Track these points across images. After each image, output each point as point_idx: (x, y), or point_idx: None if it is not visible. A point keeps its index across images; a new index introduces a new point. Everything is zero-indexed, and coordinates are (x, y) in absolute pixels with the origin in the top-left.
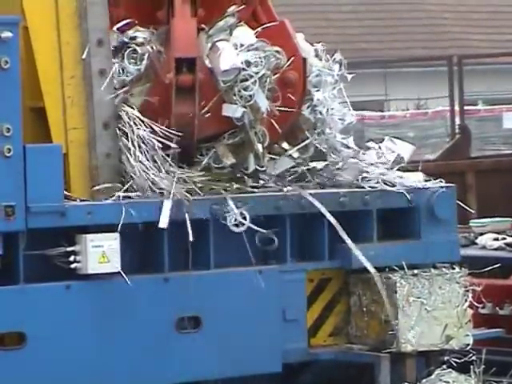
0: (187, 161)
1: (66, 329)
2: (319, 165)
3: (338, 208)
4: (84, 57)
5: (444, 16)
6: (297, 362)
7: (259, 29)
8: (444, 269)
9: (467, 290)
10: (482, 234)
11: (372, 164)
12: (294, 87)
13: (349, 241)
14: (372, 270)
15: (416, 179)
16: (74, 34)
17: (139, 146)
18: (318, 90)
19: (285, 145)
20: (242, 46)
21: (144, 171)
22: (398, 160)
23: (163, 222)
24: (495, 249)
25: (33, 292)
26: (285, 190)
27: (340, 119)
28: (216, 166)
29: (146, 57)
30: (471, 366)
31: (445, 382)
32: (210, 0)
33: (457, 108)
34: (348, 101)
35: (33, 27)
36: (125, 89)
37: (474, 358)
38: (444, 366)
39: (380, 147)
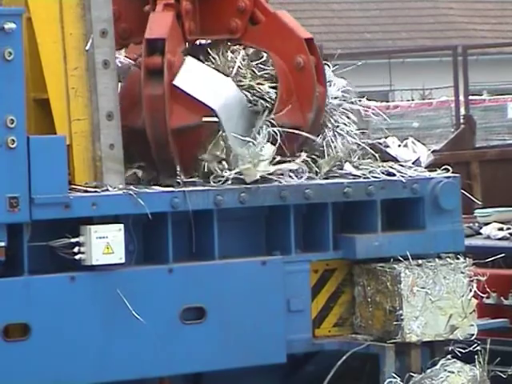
0: (165, 157)
1: (71, 320)
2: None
3: (343, 198)
4: (87, 48)
5: (449, 6)
6: (301, 353)
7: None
8: (448, 259)
9: (472, 280)
10: (486, 224)
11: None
12: (304, 70)
13: None
14: None
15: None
16: (77, 25)
17: None
18: None
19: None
20: None
21: None
22: (417, 162)
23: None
24: (500, 239)
25: (37, 283)
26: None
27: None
28: None
29: None
30: (476, 356)
31: (449, 372)
32: (205, 13)
33: (461, 98)
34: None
35: (36, 18)
36: None
37: (478, 348)
38: (449, 356)
39: (407, 145)
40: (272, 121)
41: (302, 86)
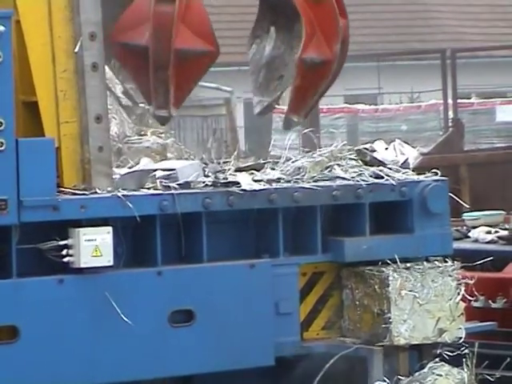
0: (163, 79)
1: (59, 323)
2: None
3: (331, 201)
4: (76, 50)
5: (439, 9)
6: (290, 356)
7: None
8: (437, 262)
9: (460, 284)
10: (474, 227)
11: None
12: (324, 3)
13: None
14: None
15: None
16: (66, 27)
17: None
18: None
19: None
20: None
21: None
22: (405, 164)
23: None
24: (488, 242)
25: (26, 286)
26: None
27: None
28: None
29: None
30: (464, 360)
31: (437, 375)
32: None
33: (450, 101)
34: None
35: (25, 21)
36: None
37: (466, 351)
38: (437, 359)
39: (394, 147)
40: (303, 56)
41: (324, 20)
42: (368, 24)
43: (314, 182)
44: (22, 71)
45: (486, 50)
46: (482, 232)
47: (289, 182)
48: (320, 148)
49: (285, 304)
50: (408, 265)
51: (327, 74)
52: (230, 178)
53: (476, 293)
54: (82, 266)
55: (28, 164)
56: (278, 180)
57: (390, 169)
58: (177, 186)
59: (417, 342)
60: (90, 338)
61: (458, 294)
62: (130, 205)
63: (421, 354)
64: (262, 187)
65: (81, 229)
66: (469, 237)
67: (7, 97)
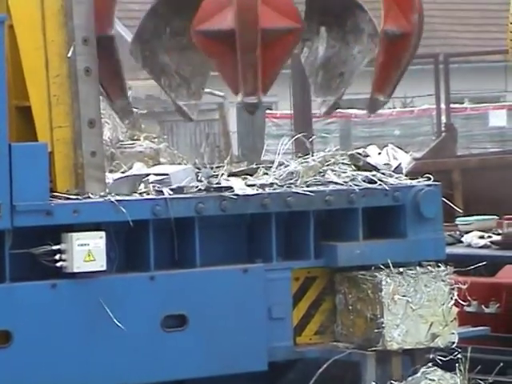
0: (251, 62)
1: (52, 327)
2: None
3: (324, 206)
4: (69, 55)
5: (431, 14)
6: (283, 361)
7: None
8: (430, 267)
9: (453, 288)
10: (467, 232)
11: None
12: None
13: None
14: None
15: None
16: (59, 32)
17: None
18: None
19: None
20: None
21: None
22: (398, 169)
23: None
24: (481, 247)
25: (19, 291)
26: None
27: None
28: None
29: None
30: (457, 364)
31: (430, 380)
32: None
33: (443, 106)
34: None
35: (18, 26)
36: None
37: (459, 356)
38: (429, 364)
39: (387, 152)
40: (384, 28)
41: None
42: None
43: (307, 186)
44: (15, 76)
45: (479, 54)
46: (474, 237)
47: (282, 186)
48: (313, 153)
49: (278, 309)
50: (401, 270)
51: (408, 47)
52: (223, 183)
53: (469, 298)
54: (75, 270)
55: (21, 169)
56: (271, 185)
57: (383, 174)
58: (170, 191)
59: (410, 347)
60: (83, 342)
61: (451, 298)
62: (123, 209)
63: (414, 358)
64: (255, 192)
65: (74, 233)
66: (462, 242)
67: (0, 101)
